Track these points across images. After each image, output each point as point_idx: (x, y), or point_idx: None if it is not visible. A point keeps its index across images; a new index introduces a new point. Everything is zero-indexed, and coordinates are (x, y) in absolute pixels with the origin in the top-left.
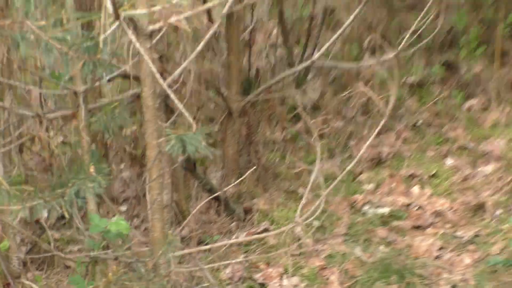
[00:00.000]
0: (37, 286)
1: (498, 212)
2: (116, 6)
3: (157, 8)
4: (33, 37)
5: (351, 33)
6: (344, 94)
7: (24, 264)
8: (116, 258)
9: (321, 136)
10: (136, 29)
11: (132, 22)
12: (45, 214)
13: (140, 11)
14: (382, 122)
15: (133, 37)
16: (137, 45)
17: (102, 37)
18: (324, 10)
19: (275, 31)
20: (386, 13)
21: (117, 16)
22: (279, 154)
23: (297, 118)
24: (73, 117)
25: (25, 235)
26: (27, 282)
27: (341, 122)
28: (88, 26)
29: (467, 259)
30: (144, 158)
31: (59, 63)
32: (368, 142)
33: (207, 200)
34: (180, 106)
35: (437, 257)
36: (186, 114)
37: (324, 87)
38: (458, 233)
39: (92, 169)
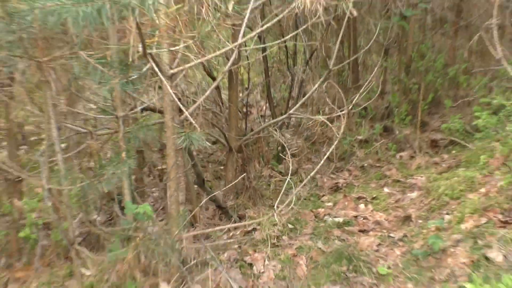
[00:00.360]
0: (86, 249)
1: (420, 221)
2: (145, 47)
3: (176, 48)
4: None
5: (317, 103)
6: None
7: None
8: (144, 235)
9: (296, 172)
10: (161, 71)
11: (157, 64)
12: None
13: (163, 49)
14: (334, 165)
15: (160, 74)
16: (164, 82)
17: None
18: (299, 91)
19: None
20: (342, 90)
21: (145, 54)
22: (265, 182)
23: (279, 158)
24: (115, 133)
25: (79, 214)
26: (78, 247)
27: (310, 165)
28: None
29: (397, 251)
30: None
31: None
32: (326, 179)
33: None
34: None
35: (376, 250)
36: (194, 123)
37: (300, 142)
38: (391, 235)
39: (123, 155)
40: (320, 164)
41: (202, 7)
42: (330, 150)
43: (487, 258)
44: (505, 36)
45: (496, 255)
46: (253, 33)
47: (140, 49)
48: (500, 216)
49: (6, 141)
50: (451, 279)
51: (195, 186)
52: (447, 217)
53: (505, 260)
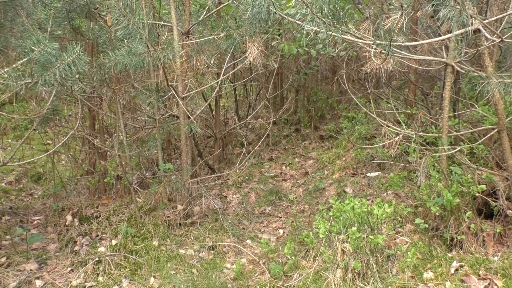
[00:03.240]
0: (139, 188)
1: (313, 174)
2: (168, 81)
3: (185, 82)
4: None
5: (261, 116)
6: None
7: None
8: (168, 179)
9: (249, 152)
10: (177, 94)
11: (175, 91)
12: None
13: (178, 83)
14: (270, 147)
15: (177, 97)
16: (179, 101)
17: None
18: (252, 109)
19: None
20: (273, 109)
21: (167, 83)
22: (234, 155)
23: (241, 143)
24: (154, 127)
25: (136, 172)
26: (135, 187)
27: (258, 148)
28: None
29: (300, 189)
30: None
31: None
32: (266, 154)
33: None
34: (192, 119)
35: (290, 189)
36: (194, 122)
37: (252, 136)
38: (298, 181)
39: (156, 135)
40: (257, 145)
41: (198, 61)
42: (262, 140)
43: (344, 192)
44: (350, 81)
45: (349, 190)
46: (224, 76)
47: (165, 82)
48: (351, 171)
49: (98, 131)
50: (326, 202)
51: (198, 157)
52: (326, 172)
53: (353, 192)
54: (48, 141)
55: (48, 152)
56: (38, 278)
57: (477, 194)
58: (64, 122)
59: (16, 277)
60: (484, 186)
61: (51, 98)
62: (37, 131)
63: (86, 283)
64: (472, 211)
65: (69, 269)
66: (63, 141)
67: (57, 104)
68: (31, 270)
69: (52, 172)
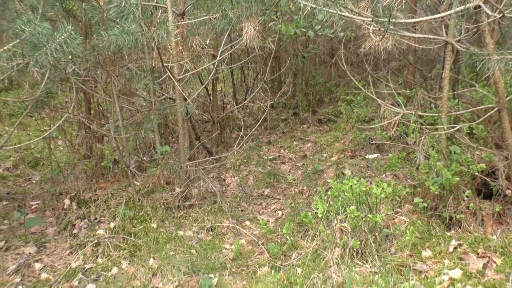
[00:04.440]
0: (137, 171)
1: (311, 157)
2: (162, 62)
3: (181, 63)
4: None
5: (258, 99)
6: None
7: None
8: (165, 162)
9: (247, 135)
10: (173, 76)
11: (170, 72)
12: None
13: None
14: (268, 131)
15: (173, 79)
16: (175, 83)
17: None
18: (250, 93)
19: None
20: (271, 93)
21: (162, 64)
22: (232, 139)
23: (239, 127)
24: (150, 110)
25: (134, 156)
26: (132, 169)
27: (256, 131)
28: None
29: (299, 172)
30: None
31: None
32: (264, 137)
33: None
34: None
35: (288, 171)
36: (191, 103)
37: (250, 120)
38: (297, 164)
39: (153, 117)
40: (255, 128)
41: (193, 41)
42: (260, 122)
43: (343, 174)
44: (349, 64)
45: (347, 172)
46: (221, 57)
47: (159, 63)
48: (350, 153)
49: (94, 115)
50: (325, 184)
51: (195, 140)
52: (324, 154)
53: (351, 174)
54: (44, 128)
55: (44, 135)
56: (37, 261)
57: (476, 174)
58: (60, 108)
59: (15, 260)
60: (484, 165)
61: (44, 81)
62: (33, 118)
63: (85, 265)
64: (472, 191)
65: (68, 251)
66: (58, 124)
67: (50, 87)
68: (30, 253)
69: (49, 157)
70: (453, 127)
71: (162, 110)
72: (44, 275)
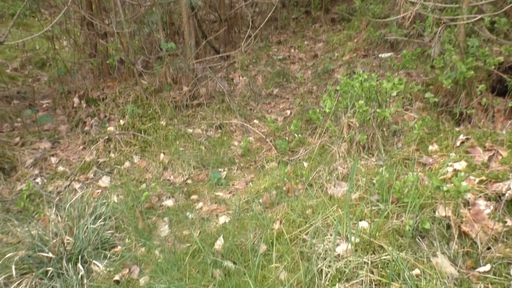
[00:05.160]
0: (143, 69)
1: (322, 57)
2: None
3: None
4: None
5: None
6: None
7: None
8: (170, 58)
9: (256, 34)
10: None
11: None
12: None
13: None
14: (278, 30)
15: None
16: None
17: None
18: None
19: None
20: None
21: None
22: (241, 39)
23: (248, 25)
24: (153, 5)
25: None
26: (138, 67)
27: (265, 31)
28: None
29: (309, 71)
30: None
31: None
32: (274, 37)
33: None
34: None
35: (298, 71)
36: None
37: (259, 20)
38: (307, 64)
39: (154, 9)
40: (261, 25)
41: None
42: (268, 17)
43: (354, 73)
44: None
45: (359, 70)
46: None
47: None
48: (363, 52)
49: (96, 11)
50: (335, 83)
51: (202, 39)
52: (336, 54)
53: (363, 73)
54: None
55: (44, 30)
56: (53, 155)
57: (492, 69)
58: (62, 6)
59: (32, 154)
60: (502, 58)
61: None
62: (36, 18)
63: (99, 159)
64: (485, 86)
65: (81, 147)
66: (58, 17)
67: None
68: (45, 148)
69: (55, 57)
70: (473, 17)
71: (166, 5)
72: (60, 168)
